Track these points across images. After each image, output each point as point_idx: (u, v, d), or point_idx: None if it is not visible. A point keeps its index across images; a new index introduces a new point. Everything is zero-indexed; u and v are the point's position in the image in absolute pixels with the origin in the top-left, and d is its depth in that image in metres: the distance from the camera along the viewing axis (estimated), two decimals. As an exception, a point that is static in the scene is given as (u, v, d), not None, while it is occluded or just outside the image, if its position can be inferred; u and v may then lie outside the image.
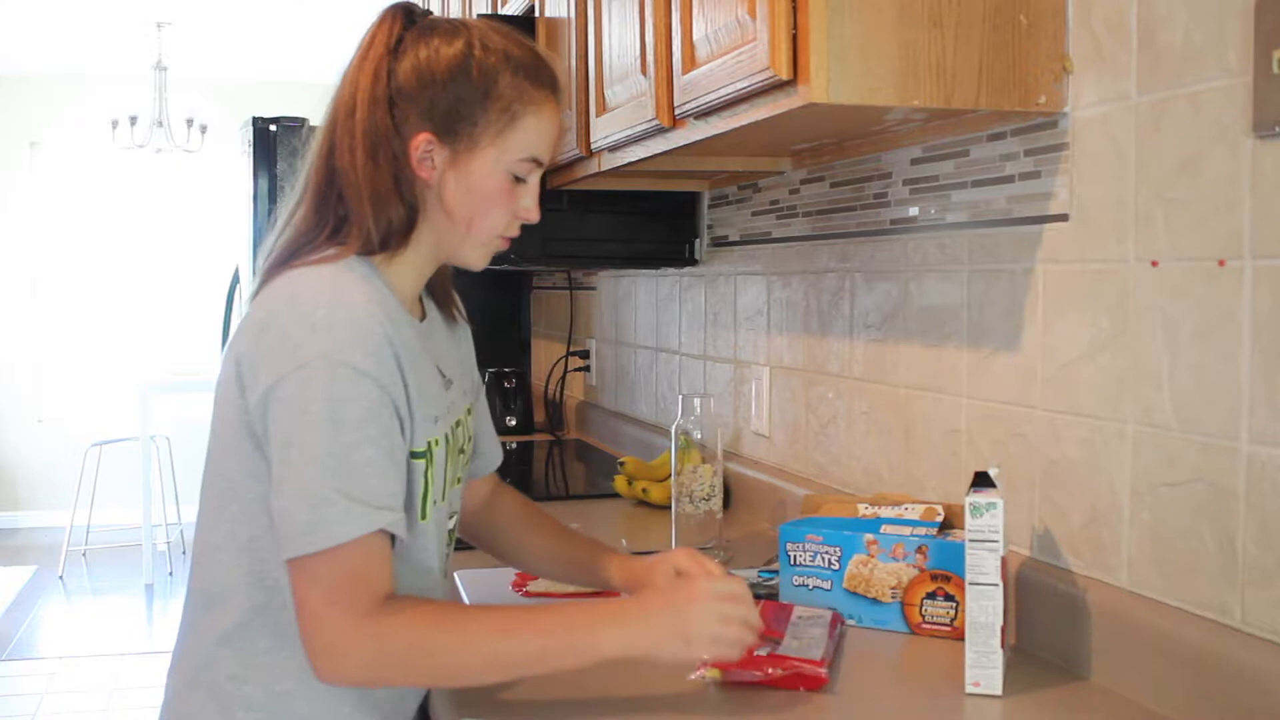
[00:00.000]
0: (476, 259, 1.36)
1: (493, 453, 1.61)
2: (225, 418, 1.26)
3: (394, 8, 1.31)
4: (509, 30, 1.33)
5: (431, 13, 1.34)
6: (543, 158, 1.32)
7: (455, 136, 1.27)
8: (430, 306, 1.45)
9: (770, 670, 1.32)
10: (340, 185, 1.27)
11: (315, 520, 1.15)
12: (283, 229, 1.32)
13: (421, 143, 1.27)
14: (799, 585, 1.58)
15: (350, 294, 1.21)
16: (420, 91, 1.27)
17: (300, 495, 1.16)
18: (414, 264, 1.33)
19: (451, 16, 1.35)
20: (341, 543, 1.15)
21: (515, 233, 1.36)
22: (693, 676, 1.29)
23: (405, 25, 1.30)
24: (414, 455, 1.25)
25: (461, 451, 1.41)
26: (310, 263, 1.25)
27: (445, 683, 1.31)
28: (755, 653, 1.32)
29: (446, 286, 1.49)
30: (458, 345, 1.50)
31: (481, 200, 1.30)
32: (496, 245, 1.35)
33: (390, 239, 1.28)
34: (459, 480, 1.41)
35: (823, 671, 1.31)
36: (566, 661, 1.22)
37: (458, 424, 1.39)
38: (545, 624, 1.24)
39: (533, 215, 1.34)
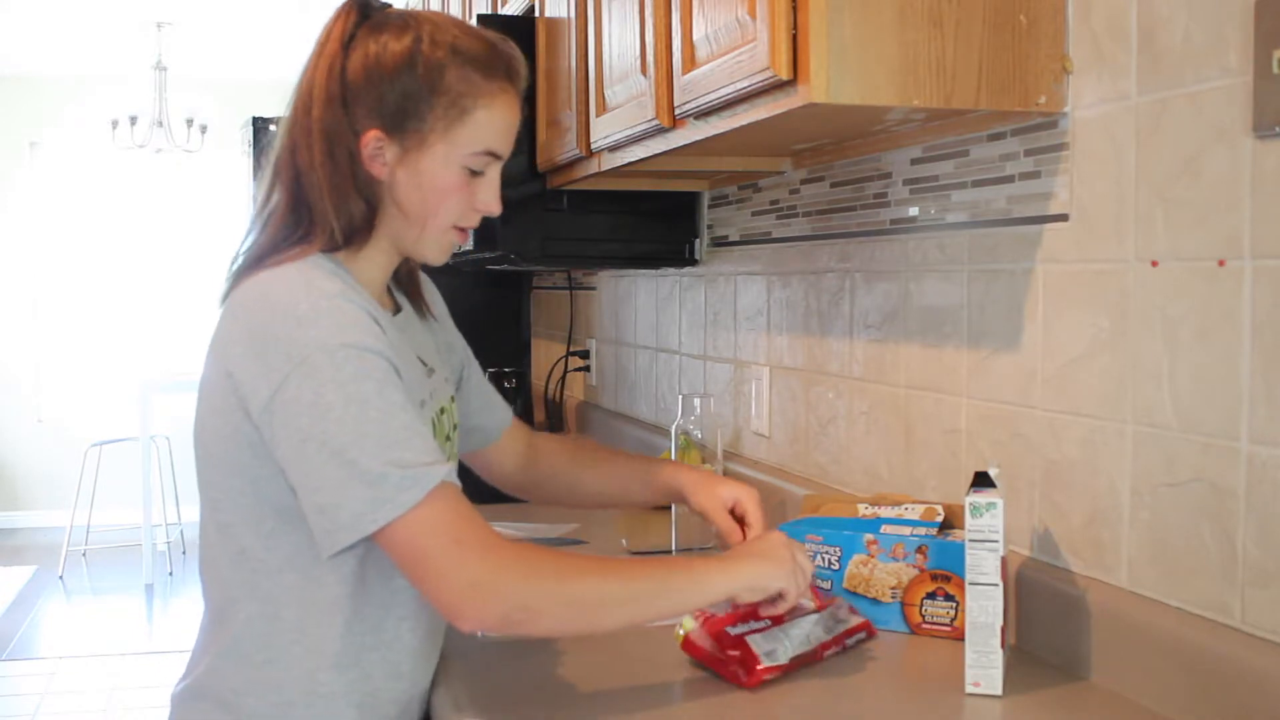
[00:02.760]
0: (434, 254, 1.34)
1: (501, 412, 1.63)
2: (216, 430, 1.24)
3: (348, 2, 1.30)
4: (464, 23, 1.32)
5: (391, 6, 1.33)
6: (499, 150, 1.31)
7: (404, 133, 1.26)
8: (403, 300, 1.45)
9: (717, 647, 1.33)
10: (303, 183, 1.27)
11: (376, 498, 1.13)
12: (261, 230, 1.31)
13: (371, 140, 1.26)
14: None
15: (324, 284, 1.21)
16: (369, 88, 1.26)
17: (348, 481, 1.13)
18: (376, 259, 1.33)
19: (416, 10, 1.34)
20: (412, 507, 1.13)
21: (474, 223, 1.34)
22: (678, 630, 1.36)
23: (359, 20, 1.29)
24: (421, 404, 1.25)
25: (448, 439, 1.41)
26: (277, 264, 1.25)
27: (584, 618, 1.25)
28: (728, 629, 1.33)
29: (415, 281, 1.49)
30: (433, 335, 1.50)
31: (434, 196, 1.28)
32: (453, 239, 1.34)
33: (353, 236, 1.28)
34: None
35: (761, 677, 1.31)
36: (688, 601, 1.27)
37: (442, 411, 1.39)
38: (667, 568, 1.31)
39: (492, 208, 1.32)
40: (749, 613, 1.35)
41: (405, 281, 1.47)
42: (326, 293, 1.20)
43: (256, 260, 1.27)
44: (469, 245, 2.52)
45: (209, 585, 1.32)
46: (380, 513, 1.13)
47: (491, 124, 1.29)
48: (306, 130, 1.27)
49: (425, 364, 1.38)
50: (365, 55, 1.26)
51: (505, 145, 1.32)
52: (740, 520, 1.50)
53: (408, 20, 1.29)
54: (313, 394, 1.15)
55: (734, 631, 1.33)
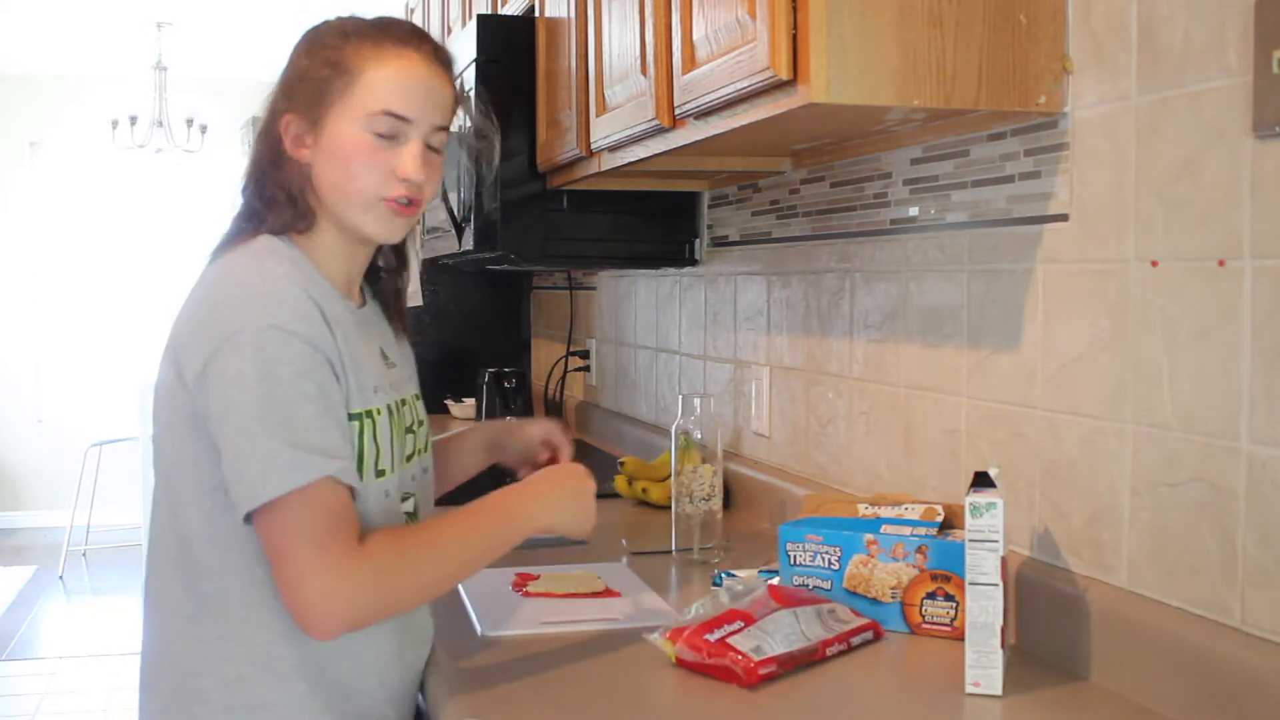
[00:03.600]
0: (375, 228, 1.35)
1: None
2: (165, 408, 1.31)
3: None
4: (367, 16, 1.38)
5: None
6: (401, 110, 1.31)
7: (309, 106, 1.33)
8: (376, 308, 1.50)
9: (707, 655, 1.33)
10: (253, 176, 1.38)
11: (265, 471, 1.19)
12: (230, 223, 1.40)
13: (289, 123, 1.34)
14: (799, 585, 1.58)
15: (272, 267, 1.28)
16: (282, 80, 1.37)
17: (248, 453, 1.19)
18: (331, 245, 1.37)
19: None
20: (298, 487, 1.18)
21: (400, 192, 1.33)
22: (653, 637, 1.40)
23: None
24: (349, 417, 1.28)
25: (410, 431, 1.43)
26: (234, 248, 1.33)
27: (430, 596, 1.35)
28: (706, 635, 1.34)
29: (400, 305, 1.55)
30: (403, 348, 1.54)
31: (345, 162, 1.32)
32: (385, 210, 1.34)
33: (293, 219, 1.35)
34: (410, 459, 1.42)
35: (757, 672, 1.31)
36: (511, 541, 1.35)
37: (403, 403, 1.42)
38: (488, 516, 1.35)
39: (410, 173, 1.32)
40: (720, 619, 1.36)
41: (393, 302, 1.53)
42: (271, 275, 1.27)
43: (220, 248, 1.36)
44: (469, 245, 2.52)
45: (159, 571, 1.34)
46: (266, 488, 1.18)
47: (385, 83, 1.31)
48: (259, 133, 1.38)
49: (387, 356, 1.43)
50: (288, 59, 1.38)
51: (408, 106, 1.32)
52: (553, 451, 1.68)
53: (313, 26, 1.39)
54: (235, 368, 1.21)
55: (713, 637, 1.34)
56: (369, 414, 1.31)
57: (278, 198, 1.34)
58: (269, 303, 1.23)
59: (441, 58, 1.37)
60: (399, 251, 1.52)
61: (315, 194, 1.35)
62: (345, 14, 1.39)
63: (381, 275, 1.51)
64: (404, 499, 1.39)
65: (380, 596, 1.23)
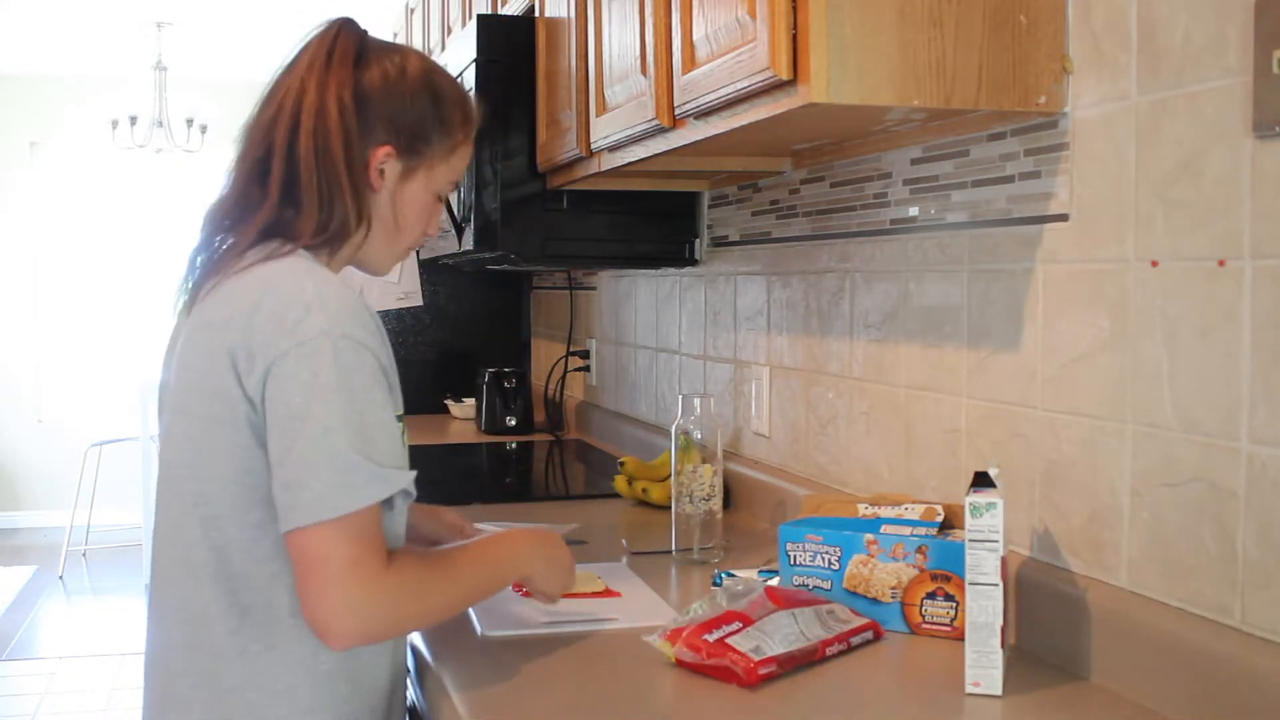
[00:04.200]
0: (387, 266, 1.46)
1: None
2: (211, 414, 1.26)
3: (341, 21, 1.38)
4: (457, 79, 1.47)
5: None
6: (459, 184, 1.46)
7: (412, 154, 1.37)
8: None
9: (706, 656, 1.33)
10: (300, 184, 1.32)
11: (343, 484, 1.18)
12: (235, 223, 1.35)
13: (382, 155, 1.35)
14: (799, 585, 1.58)
15: (327, 276, 1.28)
16: (386, 104, 1.35)
17: (320, 462, 1.18)
18: (338, 266, 1.41)
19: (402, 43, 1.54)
20: (367, 505, 1.19)
21: (421, 243, 1.47)
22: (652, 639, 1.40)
23: (361, 37, 1.38)
24: (397, 418, 1.30)
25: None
26: (270, 258, 1.29)
27: (434, 622, 1.39)
28: (705, 636, 1.33)
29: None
30: None
31: (416, 213, 1.41)
32: (404, 257, 1.47)
33: (336, 239, 1.35)
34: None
35: (756, 671, 1.31)
36: (505, 582, 1.44)
37: (399, 417, 1.44)
38: (487, 555, 1.42)
39: (436, 233, 1.50)
40: (718, 620, 1.37)
41: None
42: (329, 282, 1.27)
43: (239, 254, 1.31)
44: (469, 245, 2.52)
45: (188, 585, 1.30)
46: (343, 500, 1.18)
47: (463, 161, 1.44)
48: (311, 134, 1.31)
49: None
50: (384, 73, 1.35)
51: (461, 179, 1.49)
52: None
53: (410, 51, 1.41)
54: (310, 373, 1.19)
55: (712, 638, 1.34)
56: (400, 418, 1.31)
57: (331, 216, 1.32)
58: (338, 312, 1.23)
59: None
60: None
61: (361, 224, 1.37)
62: (447, 69, 1.49)
63: None
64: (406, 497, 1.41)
65: (397, 616, 1.25)
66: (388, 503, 1.23)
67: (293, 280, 1.26)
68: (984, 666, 1.29)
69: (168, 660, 1.33)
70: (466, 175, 2.50)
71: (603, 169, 2.09)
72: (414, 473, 1.26)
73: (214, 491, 1.27)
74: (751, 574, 1.74)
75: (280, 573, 1.26)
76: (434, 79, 1.39)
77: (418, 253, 3.27)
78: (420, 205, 1.40)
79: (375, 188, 1.36)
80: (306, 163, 1.31)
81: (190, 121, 6.84)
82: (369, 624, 1.21)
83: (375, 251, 1.42)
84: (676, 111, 1.67)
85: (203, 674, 1.29)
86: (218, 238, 1.36)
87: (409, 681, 1.58)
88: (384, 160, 1.35)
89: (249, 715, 1.28)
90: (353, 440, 1.19)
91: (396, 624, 1.28)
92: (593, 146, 2.07)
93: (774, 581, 1.64)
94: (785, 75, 1.32)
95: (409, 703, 1.51)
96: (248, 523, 1.26)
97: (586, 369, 3.49)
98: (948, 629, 1.48)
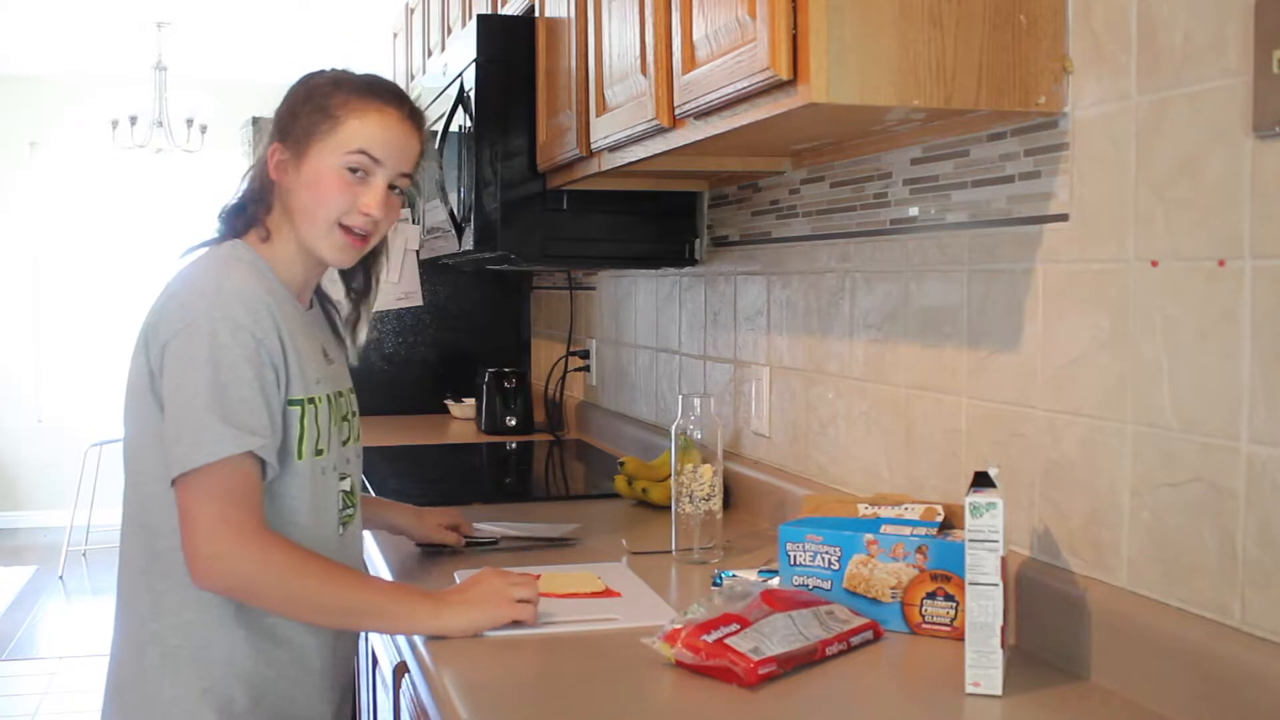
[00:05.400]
0: (330, 252, 1.56)
1: None
2: (137, 393, 1.48)
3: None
4: (358, 73, 1.60)
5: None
6: (373, 152, 1.53)
7: (294, 140, 1.54)
8: (319, 313, 1.69)
9: (705, 657, 1.33)
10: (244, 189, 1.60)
11: (196, 440, 1.38)
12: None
13: (275, 150, 1.55)
14: (799, 585, 1.58)
15: (235, 268, 1.49)
16: (277, 115, 1.58)
17: (183, 422, 1.40)
18: (290, 258, 1.57)
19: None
20: (220, 458, 1.38)
21: (358, 223, 1.54)
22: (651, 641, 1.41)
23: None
24: (290, 403, 1.48)
25: (345, 420, 1.63)
26: (210, 249, 1.56)
27: (299, 612, 1.48)
28: (704, 637, 1.33)
29: (355, 328, 1.74)
30: (341, 351, 1.73)
31: (318, 189, 1.53)
32: (340, 238, 1.55)
33: (253, 223, 1.57)
34: (346, 443, 1.62)
35: (756, 671, 1.31)
36: (394, 624, 1.53)
37: (340, 394, 1.62)
38: (388, 590, 1.59)
39: (370, 209, 1.54)
40: (716, 621, 1.36)
41: (350, 321, 1.73)
42: (232, 275, 1.47)
43: (192, 249, 1.58)
44: (469, 245, 2.52)
45: (125, 537, 1.52)
46: (198, 454, 1.38)
47: (363, 130, 1.53)
48: (255, 158, 1.60)
49: (327, 354, 1.63)
50: (284, 97, 1.59)
51: (381, 150, 1.54)
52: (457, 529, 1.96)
53: (311, 72, 1.60)
54: (189, 350, 1.41)
55: (710, 638, 1.34)
56: (311, 400, 1.51)
57: (250, 210, 1.57)
58: (226, 298, 1.43)
59: (415, 117, 1.59)
60: (367, 276, 1.71)
61: (285, 213, 1.56)
62: (340, 66, 1.61)
63: (351, 295, 1.71)
64: (341, 478, 1.60)
65: (260, 579, 1.41)
66: (262, 473, 1.42)
67: (202, 270, 1.49)
68: (984, 666, 1.29)
69: (117, 595, 1.55)
70: (467, 175, 2.50)
71: (603, 169, 2.09)
72: (267, 442, 1.42)
73: (137, 453, 1.49)
74: (751, 574, 1.74)
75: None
76: (310, 77, 1.58)
77: (418, 253, 3.27)
78: (324, 179, 1.52)
79: (279, 180, 1.55)
80: (249, 177, 1.60)
81: (190, 121, 6.84)
82: (229, 575, 1.40)
83: (308, 235, 1.55)
84: (676, 111, 1.67)
85: (124, 607, 1.52)
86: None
87: (409, 680, 1.58)
88: (277, 155, 1.55)
89: (154, 643, 1.48)
90: (210, 404, 1.38)
91: (256, 585, 1.42)
92: (593, 146, 2.07)
93: (774, 582, 1.65)
94: (785, 75, 1.32)
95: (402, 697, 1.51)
96: (160, 476, 1.44)
97: (586, 369, 3.48)
98: (948, 629, 1.48)
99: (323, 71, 1.60)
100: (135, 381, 1.49)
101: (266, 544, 1.41)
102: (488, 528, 2.04)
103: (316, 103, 1.54)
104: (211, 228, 1.61)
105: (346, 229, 1.54)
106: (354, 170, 1.53)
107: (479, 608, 1.50)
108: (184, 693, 1.46)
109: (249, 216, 1.57)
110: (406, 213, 3.30)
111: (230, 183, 1.63)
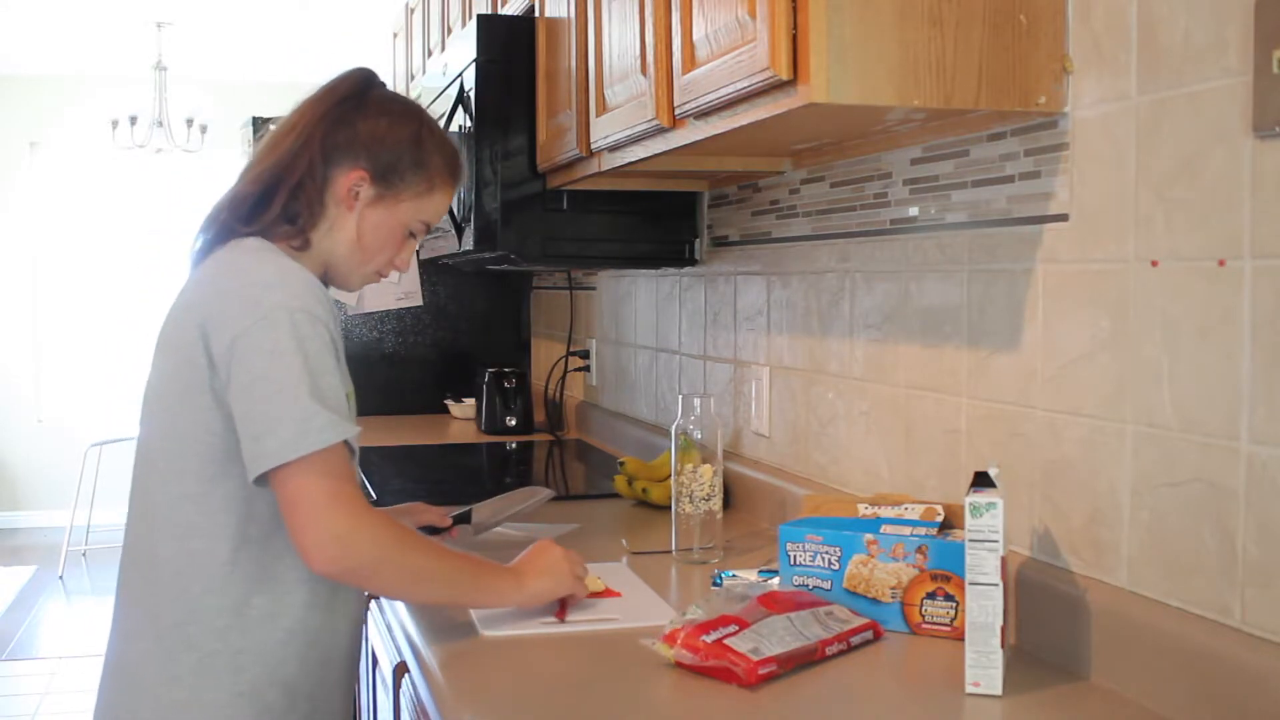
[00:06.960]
0: (356, 284, 1.63)
1: None
2: (173, 390, 1.44)
3: (362, 71, 1.60)
4: (445, 132, 1.67)
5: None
6: (431, 224, 1.63)
7: (384, 183, 1.55)
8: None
9: (705, 657, 1.33)
10: (281, 183, 1.52)
11: (302, 429, 1.34)
12: (226, 209, 1.54)
13: (355, 177, 1.53)
14: (799, 585, 1.58)
15: (286, 259, 1.47)
16: (374, 143, 1.54)
17: (282, 411, 1.35)
18: (312, 268, 1.54)
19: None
20: (328, 445, 1.35)
21: (386, 273, 1.63)
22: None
23: (373, 85, 1.59)
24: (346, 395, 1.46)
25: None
26: (237, 246, 1.49)
27: (411, 586, 1.47)
28: (703, 637, 1.34)
29: None
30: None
31: (383, 238, 1.57)
32: (371, 277, 1.63)
33: (290, 238, 1.52)
34: None
35: (756, 671, 1.31)
36: (489, 598, 1.54)
37: (349, 394, 1.61)
38: (478, 563, 1.54)
39: (404, 267, 1.64)
40: (715, 622, 1.37)
41: None
42: (289, 266, 1.45)
43: (223, 236, 1.51)
44: (469, 245, 2.52)
45: (152, 539, 1.46)
46: (305, 441, 1.34)
47: (441, 206, 1.61)
48: (308, 147, 1.52)
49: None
50: (379, 122, 1.55)
51: (435, 222, 1.64)
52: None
53: (412, 108, 1.62)
54: (270, 343, 1.36)
55: (709, 639, 1.34)
56: (349, 395, 1.48)
57: (301, 215, 1.52)
58: (294, 289, 1.41)
59: None
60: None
61: (330, 232, 1.55)
62: (437, 120, 1.66)
63: None
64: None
65: (376, 554, 1.38)
66: (351, 454, 1.40)
67: (257, 262, 1.45)
68: (984, 666, 1.29)
69: (127, 596, 1.51)
70: (467, 175, 2.50)
71: (603, 169, 2.09)
72: (360, 429, 1.42)
73: (179, 449, 1.43)
74: (751, 574, 1.74)
75: (226, 525, 1.42)
76: (423, 126, 1.58)
77: (418, 253, 3.27)
78: (387, 231, 1.57)
79: (347, 206, 1.54)
80: (291, 163, 1.51)
81: (190, 121, 6.84)
82: (349, 551, 1.35)
83: (341, 262, 1.57)
84: (676, 111, 1.67)
85: (146, 611, 1.47)
86: (210, 232, 1.54)
87: (409, 680, 1.58)
88: (357, 182, 1.53)
89: (189, 648, 1.43)
90: (312, 392, 1.36)
91: (376, 561, 1.38)
92: (593, 146, 2.07)
93: (774, 582, 1.65)
94: (785, 75, 1.32)
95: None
96: (203, 476, 1.42)
97: (586, 369, 3.48)
98: (948, 629, 1.48)
99: (426, 115, 1.62)
100: (169, 380, 1.45)
101: (376, 522, 1.38)
102: (485, 514, 2.05)
103: (419, 158, 1.56)
104: (215, 222, 1.55)
105: (378, 271, 1.62)
106: (412, 234, 1.60)
107: (552, 577, 1.55)
108: (221, 697, 1.44)
109: (276, 217, 1.51)
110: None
111: (229, 183, 1.59)
